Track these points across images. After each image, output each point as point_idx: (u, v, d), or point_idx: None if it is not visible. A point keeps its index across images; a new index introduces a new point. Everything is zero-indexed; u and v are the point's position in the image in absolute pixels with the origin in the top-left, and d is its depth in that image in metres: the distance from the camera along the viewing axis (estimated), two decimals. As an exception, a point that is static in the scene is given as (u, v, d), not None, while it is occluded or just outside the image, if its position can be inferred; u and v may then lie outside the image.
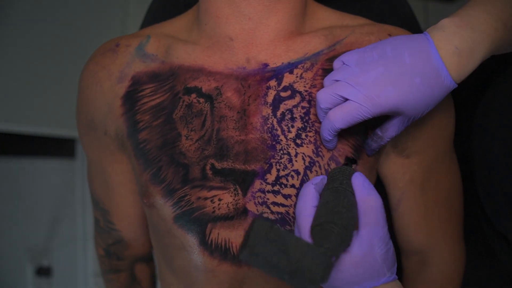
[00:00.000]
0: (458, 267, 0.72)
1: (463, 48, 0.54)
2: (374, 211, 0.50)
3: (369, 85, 0.54)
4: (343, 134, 0.61)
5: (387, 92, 0.54)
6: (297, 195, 0.60)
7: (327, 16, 0.67)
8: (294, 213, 0.59)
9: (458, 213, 0.72)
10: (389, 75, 0.54)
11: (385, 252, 0.50)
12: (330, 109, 0.56)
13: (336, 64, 0.58)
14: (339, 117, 0.55)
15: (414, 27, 0.84)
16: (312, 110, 0.61)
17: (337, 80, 0.56)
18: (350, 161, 0.60)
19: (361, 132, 0.62)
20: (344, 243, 0.48)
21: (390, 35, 0.64)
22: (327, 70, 0.62)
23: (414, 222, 0.70)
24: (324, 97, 0.56)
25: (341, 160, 0.61)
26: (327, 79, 0.58)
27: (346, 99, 0.55)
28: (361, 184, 0.52)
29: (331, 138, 0.58)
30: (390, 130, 0.58)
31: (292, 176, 0.60)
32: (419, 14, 1.37)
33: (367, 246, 0.49)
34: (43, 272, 1.48)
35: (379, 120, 0.59)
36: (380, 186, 0.71)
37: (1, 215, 1.37)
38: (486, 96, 0.68)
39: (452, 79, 0.54)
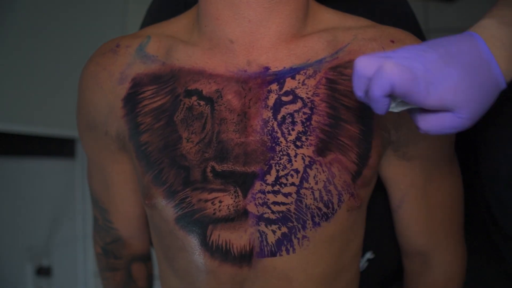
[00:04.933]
0: (459, 268, 0.72)
1: (508, 43, 0.51)
2: None
3: (425, 66, 0.48)
4: (344, 140, 0.61)
5: (443, 76, 0.48)
6: (297, 193, 0.60)
7: (329, 18, 0.67)
8: (295, 209, 0.60)
9: (459, 215, 0.72)
10: (444, 60, 0.48)
11: None
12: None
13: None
14: (397, 76, 0.46)
15: (414, 27, 0.84)
16: (313, 117, 0.61)
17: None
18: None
19: (367, 142, 0.62)
20: None
21: (392, 41, 0.64)
22: (331, 80, 0.62)
23: (416, 223, 0.70)
24: (366, 62, 0.48)
25: (345, 160, 0.61)
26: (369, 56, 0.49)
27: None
28: None
29: (383, 96, 0.48)
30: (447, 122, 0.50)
31: (292, 175, 0.60)
32: (419, 14, 1.38)
33: None
34: (43, 272, 1.48)
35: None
36: (380, 186, 0.71)
37: (1, 215, 1.36)
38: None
39: (502, 74, 0.50)
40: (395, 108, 0.52)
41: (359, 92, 0.50)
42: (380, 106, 0.49)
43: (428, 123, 0.51)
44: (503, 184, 0.68)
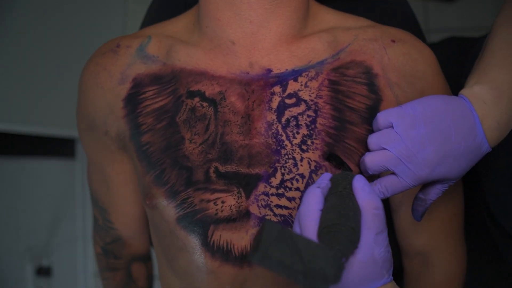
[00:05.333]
0: (460, 268, 0.72)
1: (503, 121, 0.56)
2: (374, 215, 0.50)
3: (419, 166, 0.55)
4: (350, 142, 0.61)
5: (436, 172, 0.56)
6: (301, 198, 0.60)
7: (329, 18, 0.67)
8: (295, 215, 0.59)
9: (459, 214, 0.72)
10: (437, 155, 0.55)
11: (385, 255, 0.50)
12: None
13: (382, 121, 0.57)
14: (383, 188, 0.57)
15: (414, 27, 0.84)
16: (318, 120, 0.61)
17: (385, 148, 0.56)
18: (334, 158, 0.60)
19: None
20: (353, 245, 0.48)
21: (393, 40, 0.64)
22: (333, 82, 0.62)
23: (416, 223, 0.70)
24: (373, 166, 0.57)
25: (351, 164, 0.61)
26: (374, 140, 0.57)
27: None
28: (361, 188, 0.52)
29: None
30: (432, 193, 0.60)
31: (297, 180, 0.60)
32: (419, 14, 1.38)
33: (369, 249, 0.49)
34: (43, 272, 1.48)
35: None
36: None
37: (1, 215, 1.36)
38: None
39: (490, 148, 0.57)
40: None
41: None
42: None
43: (428, 194, 0.60)
44: (503, 183, 0.68)
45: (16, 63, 1.22)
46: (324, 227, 0.49)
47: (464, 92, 0.57)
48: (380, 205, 0.51)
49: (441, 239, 0.71)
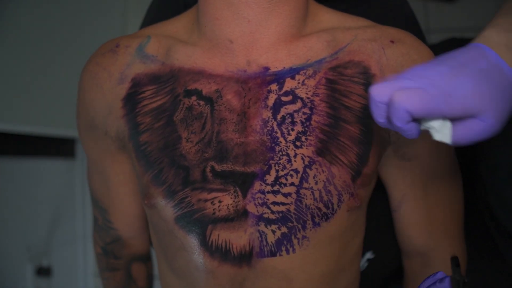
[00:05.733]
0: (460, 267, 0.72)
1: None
2: None
3: (439, 79, 0.48)
4: (344, 140, 0.61)
5: (459, 84, 0.48)
6: (297, 193, 0.60)
7: (329, 18, 0.67)
8: (295, 209, 0.60)
9: (459, 215, 0.72)
10: (455, 71, 0.48)
11: None
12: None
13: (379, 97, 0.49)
14: (411, 103, 0.46)
15: (414, 27, 0.84)
16: (313, 117, 0.61)
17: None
18: (456, 263, 0.60)
19: (367, 143, 0.62)
20: None
21: (392, 41, 0.64)
22: (331, 80, 0.62)
23: (415, 223, 0.70)
24: (380, 90, 0.48)
25: (345, 161, 0.61)
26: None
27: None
28: None
29: (406, 124, 0.47)
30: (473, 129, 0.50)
31: (291, 175, 0.60)
32: (419, 14, 1.38)
33: None
34: (43, 272, 1.48)
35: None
36: (380, 186, 0.71)
37: (1, 215, 1.36)
38: None
39: None
40: (427, 125, 0.50)
41: (380, 119, 0.49)
42: (409, 133, 0.48)
43: (457, 133, 0.50)
44: (503, 182, 0.68)
45: (16, 63, 1.22)
46: None
47: (472, 40, 0.53)
48: None
49: (441, 239, 0.71)
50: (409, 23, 0.84)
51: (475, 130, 0.49)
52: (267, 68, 0.63)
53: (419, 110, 0.46)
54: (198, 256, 0.62)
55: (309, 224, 0.60)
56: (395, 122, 0.47)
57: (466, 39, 0.96)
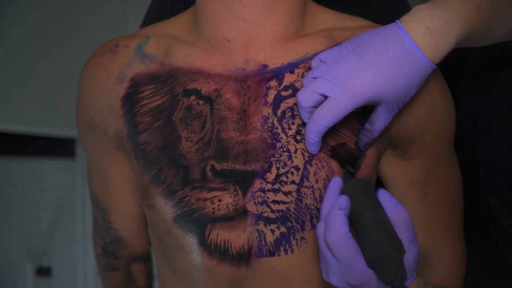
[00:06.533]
0: (460, 267, 0.72)
1: (434, 27, 0.54)
2: (406, 225, 0.52)
3: (344, 77, 0.55)
4: (342, 130, 0.61)
5: (362, 80, 0.54)
6: (297, 191, 0.60)
7: (328, 18, 0.67)
8: (295, 209, 0.60)
9: (458, 213, 0.72)
10: (362, 63, 0.55)
11: (415, 258, 0.53)
12: (313, 108, 0.57)
13: (314, 62, 0.60)
14: (323, 116, 0.56)
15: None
16: None
17: (315, 78, 0.57)
18: (350, 174, 0.60)
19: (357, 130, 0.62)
20: (403, 266, 0.51)
21: None
22: None
23: (415, 223, 0.69)
24: (304, 96, 0.57)
25: (344, 154, 0.61)
26: (306, 78, 0.59)
27: (326, 96, 0.56)
28: (389, 201, 0.53)
29: (317, 140, 0.58)
30: (377, 121, 0.59)
31: (292, 173, 0.60)
32: (419, 14, 1.37)
33: (412, 263, 0.52)
34: (43, 272, 1.48)
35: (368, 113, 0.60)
36: (380, 186, 0.71)
37: (1, 215, 1.37)
38: (492, 93, 0.68)
39: (428, 59, 0.55)
40: None
41: (307, 120, 0.58)
42: (312, 148, 0.60)
43: (374, 124, 0.59)
44: (503, 182, 0.68)
45: (17, 64, 1.22)
46: (373, 259, 0.50)
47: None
48: (408, 214, 0.52)
49: (441, 239, 0.71)
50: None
51: (380, 113, 0.58)
52: (265, 66, 0.63)
53: (330, 123, 0.56)
54: (196, 255, 0.62)
55: (307, 225, 0.60)
56: (310, 135, 0.58)
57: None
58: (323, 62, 0.58)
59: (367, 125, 0.60)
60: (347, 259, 0.51)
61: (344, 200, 0.53)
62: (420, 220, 0.69)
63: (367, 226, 0.51)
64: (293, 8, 0.64)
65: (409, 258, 0.52)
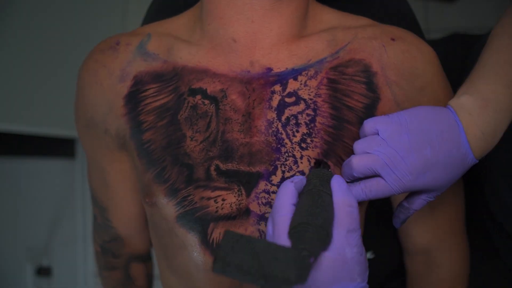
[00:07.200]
0: (465, 265, 0.73)
1: (488, 132, 0.56)
2: (347, 212, 0.50)
3: (403, 171, 0.55)
4: (349, 142, 0.61)
5: (420, 180, 0.55)
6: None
7: (329, 17, 0.67)
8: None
9: (461, 213, 0.72)
10: (423, 164, 0.55)
11: (357, 256, 0.50)
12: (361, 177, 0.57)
13: (369, 128, 0.58)
14: (371, 189, 0.56)
15: (414, 27, 0.84)
16: (317, 119, 0.61)
17: (370, 153, 0.56)
18: (320, 163, 0.60)
19: None
20: (322, 243, 0.48)
21: (393, 38, 0.64)
22: (332, 80, 0.62)
23: (420, 222, 0.70)
24: (360, 168, 0.56)
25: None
26: (359, 145, 0.57)
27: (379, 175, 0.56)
28: (338, 187, 0.52)
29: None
30: (417, 203, 0.60)
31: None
32: (419, 14, 1.38)
33: (340, 247, 0.49)
34: (43, 272, 1.48)
35: None
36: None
37: (1, 215, 1.36)
38: None
39: (475, 159, 0.57)
40: None
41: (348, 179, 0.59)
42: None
43: (413, 204, 0.60)
44: (503, 182, 0.68)
45: (17, 63, 1.22)
46: (292, 227, 0.48)
47: (452, 102, 0.58)
48: (354, 203, 0.51)
49: (445, 238, 0.71)
50: (409, 23, 0.84)
51: (423, 198, 0.60)
52: (270, 69, 0.63)
53: (366, 196, 0.57)
54: (198, 254, 0.62)
55: None
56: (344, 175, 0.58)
57: (469, 35, 0.96)
58: (381, 137, 0.56)
59: (405, 203, 0.61)
60: (279, 228, 0.50)
61: (298, 177, 0.54)
62: (425, 217, 0.69)
63: (302, 201, 0.51)
64: (299, 10, 0.64)
65: (345, 247, 0.49)
